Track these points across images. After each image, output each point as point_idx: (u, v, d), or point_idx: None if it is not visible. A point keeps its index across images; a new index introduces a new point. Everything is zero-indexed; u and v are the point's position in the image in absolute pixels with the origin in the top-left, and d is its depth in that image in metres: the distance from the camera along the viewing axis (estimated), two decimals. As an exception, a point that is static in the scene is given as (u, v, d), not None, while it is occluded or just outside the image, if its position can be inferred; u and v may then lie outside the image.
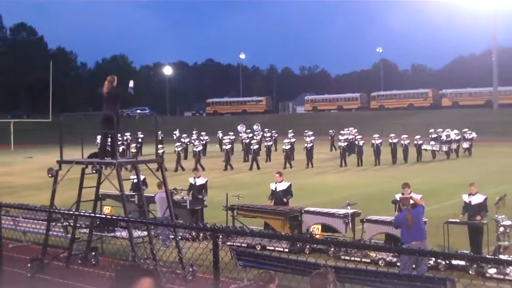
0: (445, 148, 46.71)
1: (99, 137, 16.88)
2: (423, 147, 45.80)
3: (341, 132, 50.99)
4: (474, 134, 50.07)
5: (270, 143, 51.06)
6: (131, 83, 15.77)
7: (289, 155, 42.47)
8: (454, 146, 47.86)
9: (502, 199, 16.22)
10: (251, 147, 43.69)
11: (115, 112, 15.14)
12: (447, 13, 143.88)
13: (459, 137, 49.29)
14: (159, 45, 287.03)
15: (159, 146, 40.83)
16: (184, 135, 53.80)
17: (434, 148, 46.43)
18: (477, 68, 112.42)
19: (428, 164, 42.49)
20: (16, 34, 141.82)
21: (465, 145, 48.07)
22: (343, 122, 76.61)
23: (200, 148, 42.82)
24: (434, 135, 48.50)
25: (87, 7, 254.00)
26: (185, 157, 48.61)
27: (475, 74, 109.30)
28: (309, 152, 41.92)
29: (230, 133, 54.43)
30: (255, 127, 60.71)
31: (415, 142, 44.77)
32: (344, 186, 32.24)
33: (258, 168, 40.95)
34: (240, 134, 55.51)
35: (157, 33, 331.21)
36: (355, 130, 54.08)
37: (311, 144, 42.39)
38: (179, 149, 42.86)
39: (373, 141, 42.71)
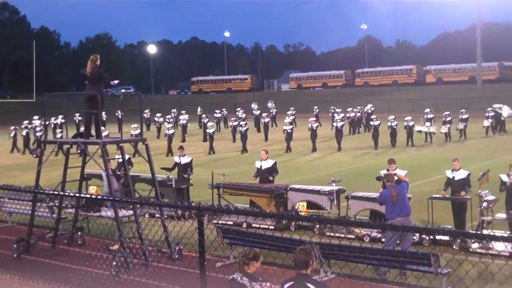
0: (444, 129, 41.68)
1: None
2: (416, 128, 40.73)
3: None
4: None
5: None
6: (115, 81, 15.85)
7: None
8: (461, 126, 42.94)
9: (485, 174, 16.35)
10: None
11: (99, 92, 15.07)
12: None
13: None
14: (143, 24, 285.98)
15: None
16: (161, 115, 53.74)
17: (431, 130, 41.30)
18: (461, 44, 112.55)
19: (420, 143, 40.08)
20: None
21: (460, 126, 43.00)
22: (328, 99, 76.76)
23: (213, 130, 40.74)
24: (431, 115, 43.07)
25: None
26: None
27: (460, 50, 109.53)
28: (243, 136, 38.97)
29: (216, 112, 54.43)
30: (269, 104, 60.12)
31: (405, 123, 39.26)
32: (329, 163, 32.35)
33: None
34: (271, 110, 56.06)
35: (141, 11, 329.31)
36: (371, 105, 53.76)
37: (246, 128, 39.77)
38: (171, 132, 40.14)
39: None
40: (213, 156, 36.88)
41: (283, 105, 66.56)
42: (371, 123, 40.28)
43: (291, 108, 56.58)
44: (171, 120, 52.73)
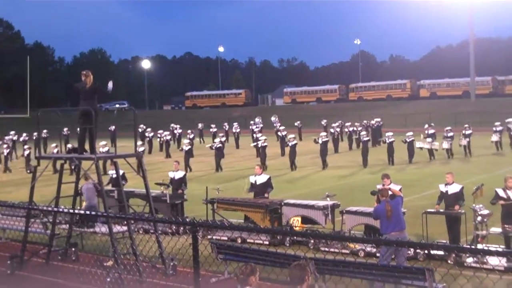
0: (446, 145, 38.93)
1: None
2: (418, 145, 38.46)
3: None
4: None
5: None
6: (110, 84, 15.74)
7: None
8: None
9: (479, 188, 16.34)
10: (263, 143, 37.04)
11: (94, 107, 15.07)
12: (425, 4, 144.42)
13: None
14: (137, 39, 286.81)
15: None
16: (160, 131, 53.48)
17: (433, 147, 38.79)
18: (454, 58, 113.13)
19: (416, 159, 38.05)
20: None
21: (464, 141, 40.43)
22: (322, 114, 76.82)
23: (189, 147, 37.25)
24: (432, 131, 40.89)
25: (64, 1, 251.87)
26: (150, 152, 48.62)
27: (453, 64, 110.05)
28: (218, 153, 36.58)
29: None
30: (273, 118, 59.67)
31: (407, 139, 37.72)
32: (323, 178, 32.32)
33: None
34: (274, 125, 55.65)
35: (135, 27, 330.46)
36: (378, 119, 52.81)
37: (219, 145, 36.93)
38: (141, 149, 35.11)
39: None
40: (207, 171, 36.77)
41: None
42: (361, 138, 38.96)
43: (297, 122, 57.21)
44: (163, 135, 52.45)
